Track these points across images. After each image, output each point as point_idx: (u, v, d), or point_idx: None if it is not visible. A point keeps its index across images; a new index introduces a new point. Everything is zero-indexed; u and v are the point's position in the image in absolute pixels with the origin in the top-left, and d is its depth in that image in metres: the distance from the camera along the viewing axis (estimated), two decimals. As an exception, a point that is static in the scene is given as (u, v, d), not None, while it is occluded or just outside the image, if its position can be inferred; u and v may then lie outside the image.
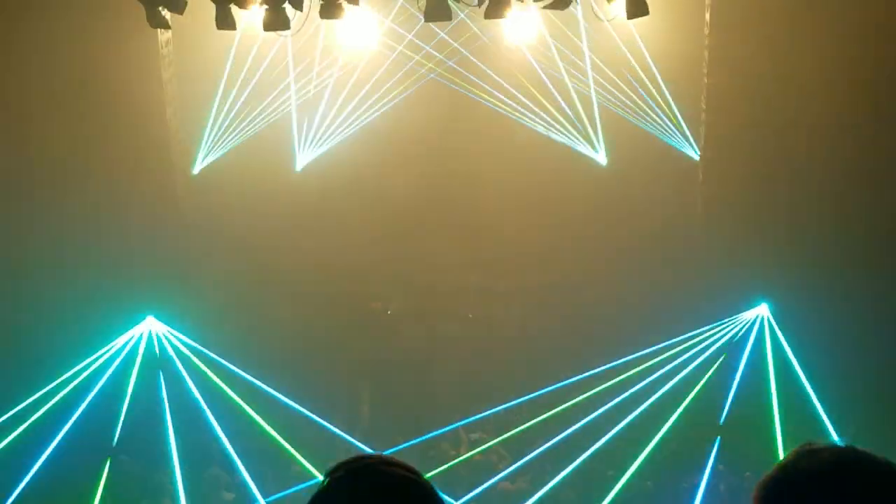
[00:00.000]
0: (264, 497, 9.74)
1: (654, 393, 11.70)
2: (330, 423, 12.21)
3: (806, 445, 1.96)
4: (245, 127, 15.11)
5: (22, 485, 10.64)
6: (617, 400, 11.74)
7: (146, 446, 12.36)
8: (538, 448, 11.73)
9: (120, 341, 11.41)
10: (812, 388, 10.49)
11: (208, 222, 14.96)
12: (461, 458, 11.78)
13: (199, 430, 13.00)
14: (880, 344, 12.92)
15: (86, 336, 11.94)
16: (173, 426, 10.98)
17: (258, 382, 12.69)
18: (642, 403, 11.66)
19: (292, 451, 11.22)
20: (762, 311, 11.51)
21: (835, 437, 10.01)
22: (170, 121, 13.71)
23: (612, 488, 10.89)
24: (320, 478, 1.94)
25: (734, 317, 11.76)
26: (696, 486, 11.26)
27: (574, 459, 11.26)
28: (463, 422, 12.95)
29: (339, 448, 11.33)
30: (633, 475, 10.87)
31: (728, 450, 11.25)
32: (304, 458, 10.68)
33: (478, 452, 11.81)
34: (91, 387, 11.09)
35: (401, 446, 11.29)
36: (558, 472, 11.17)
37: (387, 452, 10.46)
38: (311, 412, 12.28)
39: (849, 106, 12.90)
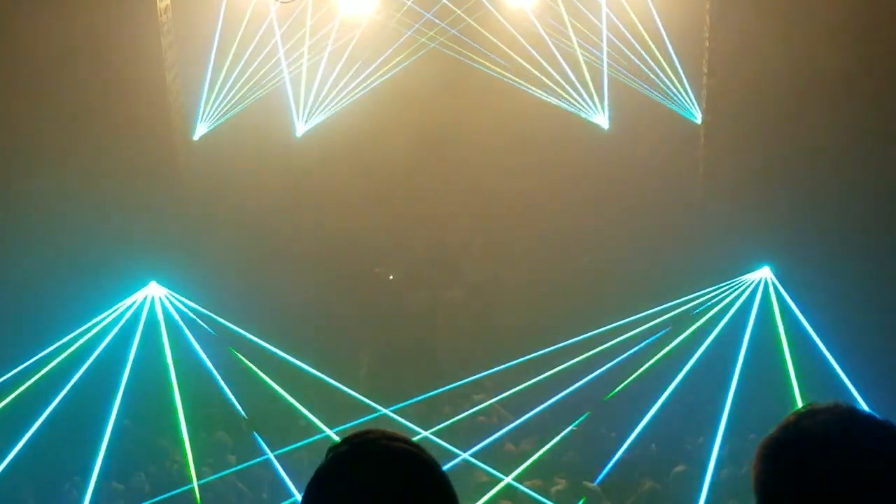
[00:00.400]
0: (272, 451, 9.75)
1: (656, 354, 11.69)
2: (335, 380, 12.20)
3: (807, 406, 1.97)
4: (245, 94, 15.08)
5: (20, 444, 10.63)
6: (620, 359, 11.74)
7: (150, 410, 12.38)
8: (539, 408, 11.73)
9: (123, 305, 11.36)
10: (824, 345, 10.48)
11: (209, 187, 14.96)
12: (462, 416, 11.77)
13: (204, 392, 13.05)
14: (882, 306, 13.01)
15: (89, 300, 11.91)
16: (179, 389, 10.96)
17: (263, 342, 12.69)
18: (644, 364, 11.66)
19: (297, 405, 11.21)
20: (765, 273, 11.48)
21: (854, 392, 10.01)
22: (170, 87, 13.66)
23: (616, 450, 10.85)
24: (327, 431, 1.95)
25: (737, 279, 11.75)
26: (702, 447, 11.24)
27: (576, 419, 11.24)
28: (465, 380, 12.98)
29: (344, 404, 11.33)
30: (637, 436, 10.83)
31: (740, 410, 11.26)
32: (311, 412, 10.66)
33: (480, 412, 11.79)
34: (93, 350, 11.06)
35: (404, 403, 11.30)
36: (561, 434, 11.13)
37: (391, 410, 10.52)
38: (316, 370, 12.26)
39: (850, 68, 12.90)
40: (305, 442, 9.88)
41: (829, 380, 10.61)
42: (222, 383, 11.18)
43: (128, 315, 11.28)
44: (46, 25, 12.96)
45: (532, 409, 11.70)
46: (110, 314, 11.30)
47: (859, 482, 1.82)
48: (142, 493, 10.78)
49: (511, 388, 12.21)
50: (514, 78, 15.25)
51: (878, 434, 1.89)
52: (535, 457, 10.75)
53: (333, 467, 1.91)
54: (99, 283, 12.31)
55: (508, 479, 9.94)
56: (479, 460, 10.24)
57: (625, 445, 10.45)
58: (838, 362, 10.44)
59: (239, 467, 10.52)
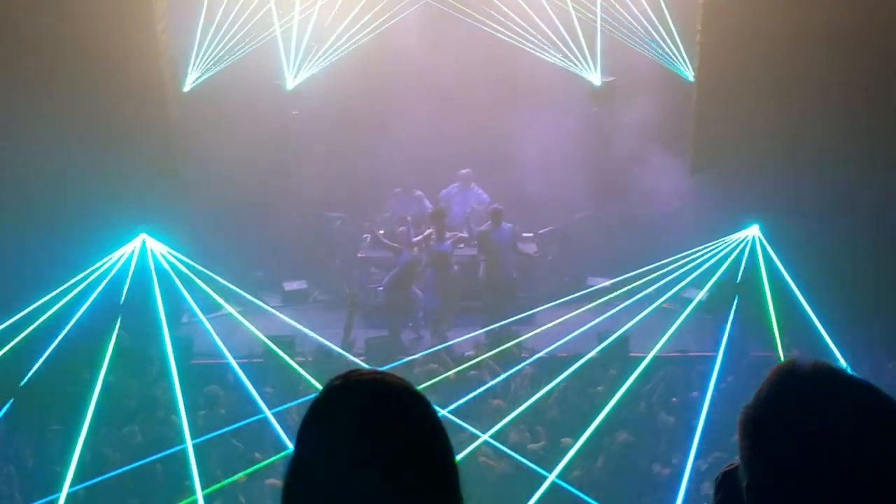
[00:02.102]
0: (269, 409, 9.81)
1: (643, 311, 11.76)
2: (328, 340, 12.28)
3: (785, 370, 1.93)
4: (234, 46, 14.96)
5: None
6: (610, 313, 11.81)
7: (141, 359, 12.44)
8: (524, 363, 11.81)
9: (113, 257, 11.32)
10: (805, 299, 10.63)
11: (199, 139, 14.89)
12: (453, 371, 11.84)
13: (196, 345, 13.12)
14: (866, 263, 13.19)
15: (79, 252, 11.89)
16: (171, 340, 10.98)
17: (258, 302, 12.74)
18: (632, 320, 11.73)
19: (292, 363, 11.28)
20: (753, 231, 11.55)
21: (831, 345, 10.18)
22: (160, 36, 13.52)
23: (602, 406, 10.87)
24: (320, 387, 1.99)
25: (726, 237, 11.82)
26: (689, 403, 11.36)
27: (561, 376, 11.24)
28: (453, 341, 13.08)
29: (338, 362, 11.41)
30: (624, 394, 10.87)
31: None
32: (306, 371, 10.73)
33: (470, 367, 11.86)
34: (82, 301, 11.04)
35: (394, 364, 11.38)
36: (544, 389, 11.16)
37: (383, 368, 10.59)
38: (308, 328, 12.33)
39: (845, 24, 12.88)
40: (303, 400, 9.91)
41: (807, 332, 10.77)
42: (215, 337, 11.20)
43: (117, 267, 11.25)
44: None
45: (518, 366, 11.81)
46: (101, 266, 11.27)
47: (843, 447, 1.81)
48: (134, 442, 10.88)
49: (502, 344, 12.32)
50: (506, 33, 15.18)
51: (858, 393, 1.87)
52: (516, 413, 10.76)
53: (327, 397, 1.97)
54: (89, 236, 12.28)
55: (485, 437, 9.96)
56: (462, 417, 10.21)
57: (611, 402, 10.48)
58: (816, 315, 10.58)
59: (235, 426, 10.57)
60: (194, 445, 9.41)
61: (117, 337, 11.23)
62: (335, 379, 2.00)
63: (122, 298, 11.06)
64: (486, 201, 15.39)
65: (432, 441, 1.95)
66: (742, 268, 11.23)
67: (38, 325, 10.80)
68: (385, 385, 1.97)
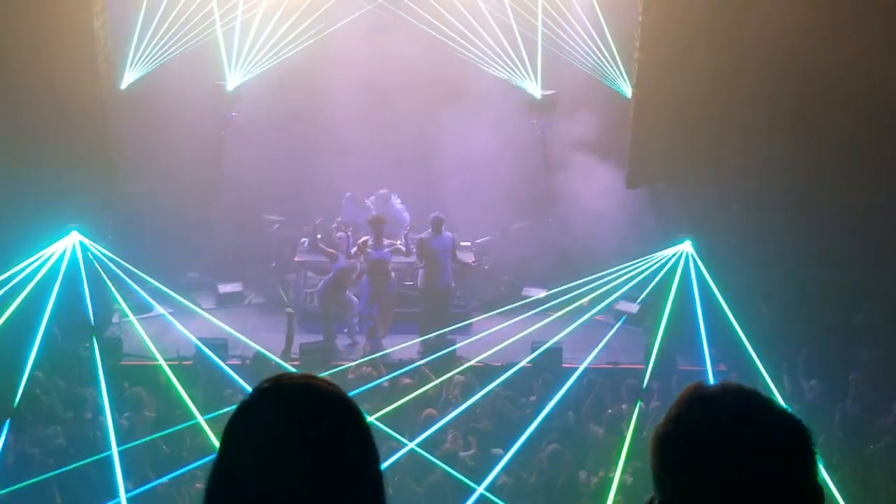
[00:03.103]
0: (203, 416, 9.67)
1: (576, 322, 11.90)
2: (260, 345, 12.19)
3: (694, 390, 1.96)
4: (175, 44, 14.79)
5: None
6: (543, 322, 11.91)
7: (68, 360, 12.23)
8: (454, 371, 11.84)
9: (44, 254, 11.11)
10: (734, 315, 10.85)
11: (136, 138, 14.70)
12: (386, 378, 11.82)
13: (123, 346, 12.93)
14: (790, 280, 13.52)
15: (7, 249, 11.66)
16: (98, 341, 10.80)
17: (190, 304, 12.59)
18: (565, 331, 11.85)
19: (223, 365, 11.17)
20: (685, 247, 11.76)
21: (756, 361, 10.40)
22: (97, 32, 13.28)
23: (533, 417, 10.92)
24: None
25: (660, 251, 12.02)
26: (617, 415, 11.47)
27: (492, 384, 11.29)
28: (389, 350, 13.07)
29: (273, 367, 11.33)
30: (556, 404, 10.94)
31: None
32: (238, 375, 10.62)
33: (404, 373, 11.85)
34: (11, 301, 10.81)
35: (332, 371, 11.35)
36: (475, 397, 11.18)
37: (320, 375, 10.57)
38: (240, 333, 12.24)
39: (778, 48, 13.20)
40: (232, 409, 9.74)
41: (734, 347, 10.99)
42: (145, 336, 11.06)
43: (49, 264, 11.05)
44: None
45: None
46: (31, 263, 11.05)
47: (751, 470, 1.85)
48: (57, 445, 10.66)
49: (438, 352, 12.35)
50: (449, 42, 15.25)
51: (768, 420, 1.91)
52: (447, 419, 10.77)
53: (255, 398, 1.96)
54: (19, 232, 12.05)
55: (411, 445, 9.94)
56: (394, 426, 10.16)
57: (542, 414, 10.56)
58: (743, 330, 10.81)
59: (163, 433, 10.42)
60: (121, 448, 9.26)
61: (47, 336, 11.04)
62: (265, 381, 1.99)
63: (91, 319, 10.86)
64: (405, 221, 15.34)
65: (357, 447, 1.94)
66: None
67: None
68: (314, 389, 1.96)
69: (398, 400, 10.77)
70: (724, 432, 1.87)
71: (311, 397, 1.95)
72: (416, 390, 11.32)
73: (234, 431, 1.94)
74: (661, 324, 10.83)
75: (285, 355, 12.67)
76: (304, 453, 1.87)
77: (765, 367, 10.43)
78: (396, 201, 15.69)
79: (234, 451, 1.93)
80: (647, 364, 10.98)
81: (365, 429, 1.98)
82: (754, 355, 10.40)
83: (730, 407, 1.91)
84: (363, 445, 1.95)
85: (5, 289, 10.86)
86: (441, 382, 11.64)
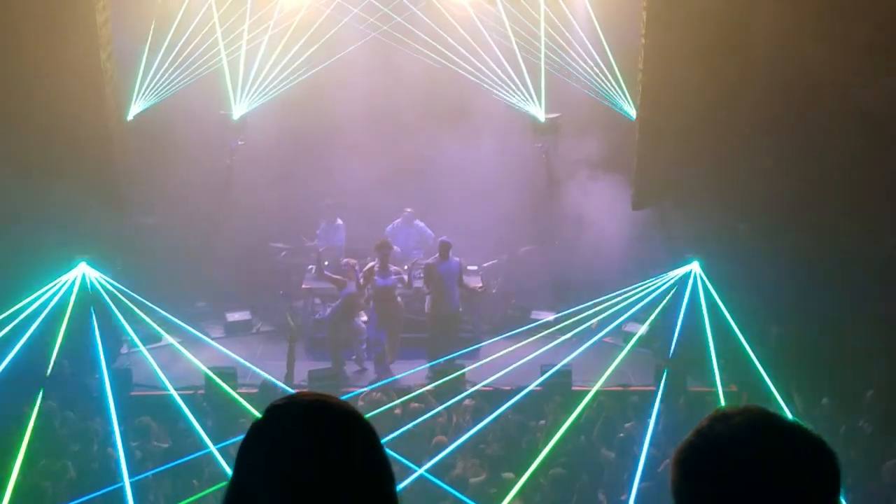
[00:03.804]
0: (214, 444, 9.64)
1: (585, 344, 11.87)
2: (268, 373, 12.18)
3: (719, 411, 2.00)
4: (180, 75, 14.90)
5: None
6: (553, 343, 11.87)
7: (77, 392, 12.22)
8: (463, 395, 11.79)
9: (53, 286, 11.14)
10: (743, 336, 10.80)
11: (143, 168, 14.79)
12: (396, 403, 11.78)
13: (133, 377, 12.93)
14: (800, 301, 13.48)
15: (17, 281, 11.70)
16: (108, 372, 10.81)
17: (198, 334, 12.61)
18: (574, 353, 11.83)
19: (233, 394, 11.14)
20: (694, 267, 11.75)
21: (768, 381, 10.35)
22: (104, 64, 13.39)
23: (543, 440, 10.86)
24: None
25: (667, 273, 12.01)
26: (629, 438, 11.39)
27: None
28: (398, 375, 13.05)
29: (281, 395, 11.30)
30: (567, 430, 10.87)
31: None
32: (249, 403, 10.60)
33: (412, 399, 11.81)
34: (21, 333, 10.83)
35: (347, 396, 11.31)
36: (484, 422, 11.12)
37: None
38: (248, 362, 12.23)
39: (779, 67, 13.23)
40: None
41: (745, 367, 10.94)
42: (155, 366, 11.06)
43: (58, 297, 11.08)
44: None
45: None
46: (40, 296, 11.09)
47: (773, 487, 1.87)
48: (67, 478, 10.62)
49: (447, 377, 12.33)
50: (453, 67, 15.33)
51: (791, 438, 1.94)
52: (455, 446, 10.71)
53: (268, 418, 1.95)
54: (29, 264, 12.10)
55: (421, 471, 9.89)
56: (404, 452, 10.10)
57: (554, 439, 10.50)
58: (754, 351, 10.76)
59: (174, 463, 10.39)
60: (132, 479, 9.23)
61: (55, 368, 11.05)
62: (278, 400, 1.98)
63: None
64: (430, 237, 15.44)
65: (372, 466, 1.93)
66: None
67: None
68: (328, 408, 1.95)
69: (408, 425, 10.74)
70: (748, 445, 1.90)
71: (324, 416, 1.93)
72: (424, 416, 11.28)
73: (248, 450, 1.94)
74: (670, 345, 10.81)
75: (287, 380, 12.65)
76: (318, 472, 1.86)
77: (776, 387, 10.38)
78: (419, 222, 15.77)
79: (248, 469, 1.92)
80: (658, 386, 10.93)
81: (379, 448, 1.97)
82: (765, 375, 10.35)
83: (753, 424, 1.94)
84: (378, 465, 1.94)
85: (16, 321, 10.89)
86: (449, 407, 11.59)
